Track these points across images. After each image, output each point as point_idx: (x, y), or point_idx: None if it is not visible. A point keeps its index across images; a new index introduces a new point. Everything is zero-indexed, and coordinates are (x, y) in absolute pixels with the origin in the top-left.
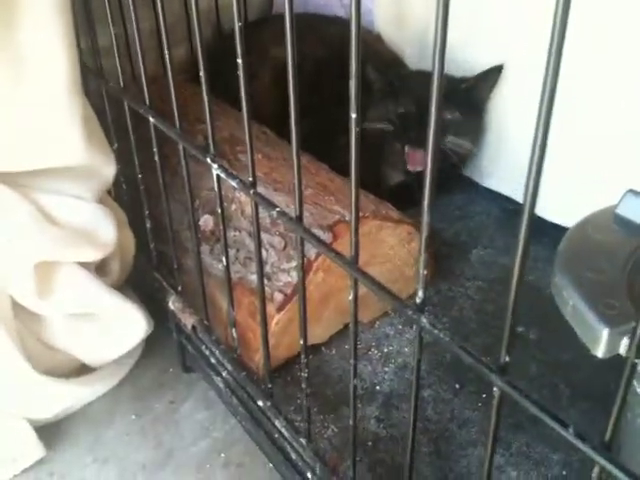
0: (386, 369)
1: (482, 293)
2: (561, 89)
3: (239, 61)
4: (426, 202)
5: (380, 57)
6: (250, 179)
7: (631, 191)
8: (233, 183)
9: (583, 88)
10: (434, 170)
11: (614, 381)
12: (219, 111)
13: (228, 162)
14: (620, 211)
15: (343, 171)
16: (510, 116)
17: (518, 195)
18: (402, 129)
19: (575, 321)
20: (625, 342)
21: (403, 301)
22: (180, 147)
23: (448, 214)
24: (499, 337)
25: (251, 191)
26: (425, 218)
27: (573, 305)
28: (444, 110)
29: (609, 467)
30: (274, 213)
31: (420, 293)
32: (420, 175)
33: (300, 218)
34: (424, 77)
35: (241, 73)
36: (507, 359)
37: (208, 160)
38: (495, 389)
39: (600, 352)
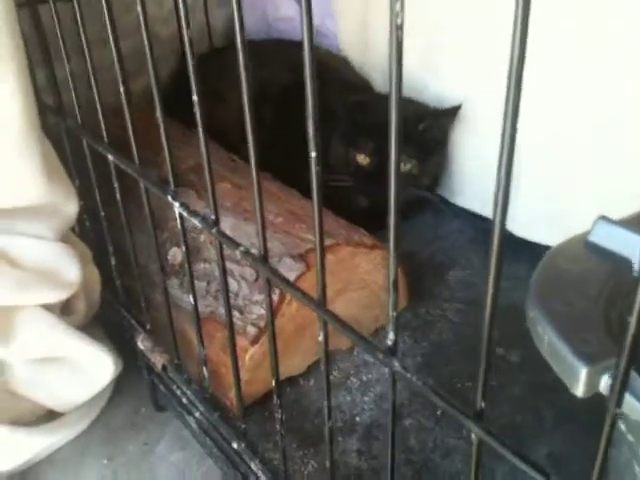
0: (365, 398)
1: (461, 315)
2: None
3: (194, 98)
4: (392, 245)
5: (347, 81)
6: (212, 217)
7: (603, 217)
8: (195, 221)
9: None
10: (398, 219)
11: (597, 401)
12: (184, 140)
13: (196, 192)
14: (592, 238)
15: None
16: (477, 132)
17: (487, 211)
18: (361, 184)
19: (552, 358)
20: (605, 380)
21: (373, 343)
22: (141, 184)
23: (422, 235)
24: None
25: (213, 229)
26: (392, 263)
27: (549, 341)
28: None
29: None
30: (237, 253)
31: (391, 335)
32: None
33: (265, 258)
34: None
35: (197, 111)
36: (483, 405)
37: (169, 198)
38: (473, 435)
39: (579, 391)
